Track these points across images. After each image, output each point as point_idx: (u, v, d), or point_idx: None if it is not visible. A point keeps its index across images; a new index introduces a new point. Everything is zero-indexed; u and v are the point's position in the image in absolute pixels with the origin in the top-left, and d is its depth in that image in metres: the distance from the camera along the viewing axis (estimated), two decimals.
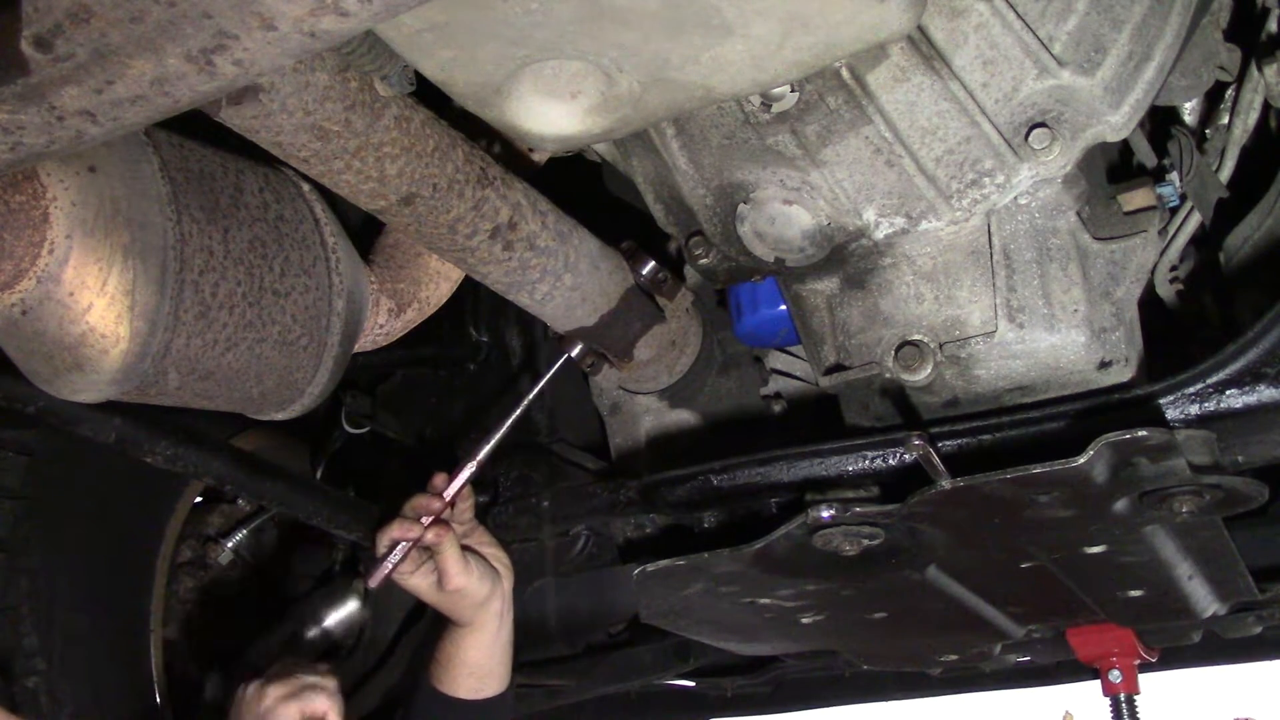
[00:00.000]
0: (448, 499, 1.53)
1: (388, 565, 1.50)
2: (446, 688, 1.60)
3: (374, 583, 1.51)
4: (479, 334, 2.09)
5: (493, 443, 1.54)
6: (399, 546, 1.50)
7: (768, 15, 1.02)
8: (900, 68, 1.31)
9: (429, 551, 1.53)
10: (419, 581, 1.55)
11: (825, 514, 1.43)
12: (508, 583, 1.62)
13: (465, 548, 1.59)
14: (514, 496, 1.92)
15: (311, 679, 1.48)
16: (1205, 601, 1.82)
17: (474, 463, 1.54)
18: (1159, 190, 1.47)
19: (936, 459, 1.31)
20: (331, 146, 1.08)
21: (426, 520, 1.51)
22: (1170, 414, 1.32)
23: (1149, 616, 1.97)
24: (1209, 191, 1.53)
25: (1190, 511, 1.36)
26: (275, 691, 1.46)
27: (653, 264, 1.59)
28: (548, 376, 1.60)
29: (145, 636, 2.06)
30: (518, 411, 1.57)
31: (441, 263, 1.55)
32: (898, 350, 1.41)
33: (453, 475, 1.55)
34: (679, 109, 1.19)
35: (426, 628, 2.23)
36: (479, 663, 1.60)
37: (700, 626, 1.96)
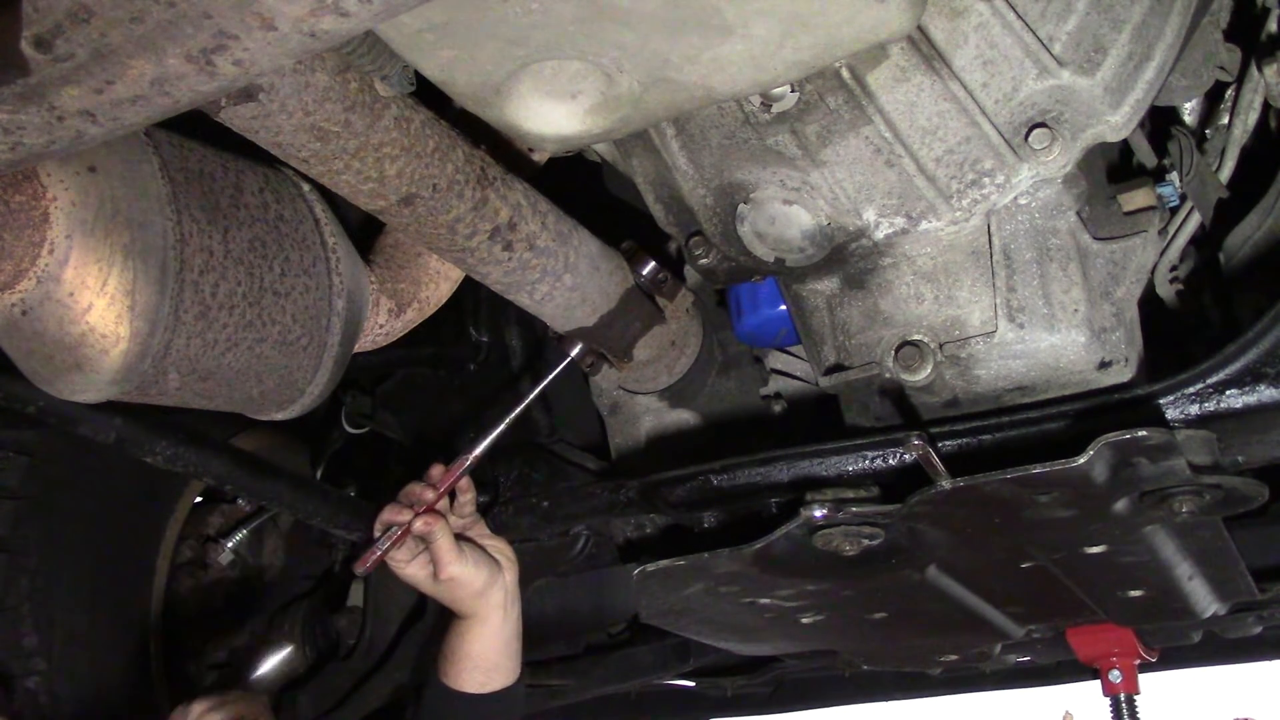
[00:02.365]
0: (441, 490, 1.54)
1: (376, 551, 1.50)
2: (453, 682, 1.60)
3: (359, 568, 1.52)
4: (479, 334, 2.09)
5: (491, 439, 1.55)
6: (389, 532, 1.51)
7: (768, 15, 1.02)
8: (900, 68, 1.31)
9: (424, 542, 1.54)
10: (415, 571, 1.55)
11: (818, 513, 1.43)
12: (510, 574, 1.62)
13: (465, 539, 1.59)
14: (514, 496, 1.92)
15: (238, 692, 1.58)
16: (1205, 601, 1.82)
17: (471, 457, 1.54)
18: (1159, 190, 1.47)
19: (936, 459, 1.31)
20: (331, 147, 1.08)
21: (418, 508, 1.52)
22: (1170, 414, 1.32)
23: (1149, 616, 1.97)
24: (1209, 191, 1.53)
25: (1190, 511, 1.36)
26: (200, 705, 1.55)
27: (653, 264, 1.59)
28: (550, 377, 1.60)
29: (145, 637, 2.06)
30: (518, 409, 1.57)
31: (441, 263, 1.55)
32: (898, 350, 1.41)
33: (450, 468, 1.55)
34: (679, 109, 1.19)
35: (428, 627, 2.23)
36: (483, 655, 1.60)
37: (700, 626, 1.96)
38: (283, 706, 2.30)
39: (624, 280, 1.56)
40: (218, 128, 1.06)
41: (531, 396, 1.59)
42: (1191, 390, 1.31)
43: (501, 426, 1.56)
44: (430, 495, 1.53)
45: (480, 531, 1.65)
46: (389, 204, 1.19)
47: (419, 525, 1.52)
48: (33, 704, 1.79)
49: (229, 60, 0.77)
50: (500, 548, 1.64)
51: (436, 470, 1.57)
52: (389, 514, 1.53)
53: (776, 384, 1.80)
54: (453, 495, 1.60)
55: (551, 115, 1.15)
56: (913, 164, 1.34)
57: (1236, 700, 4.34)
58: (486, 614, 1.59)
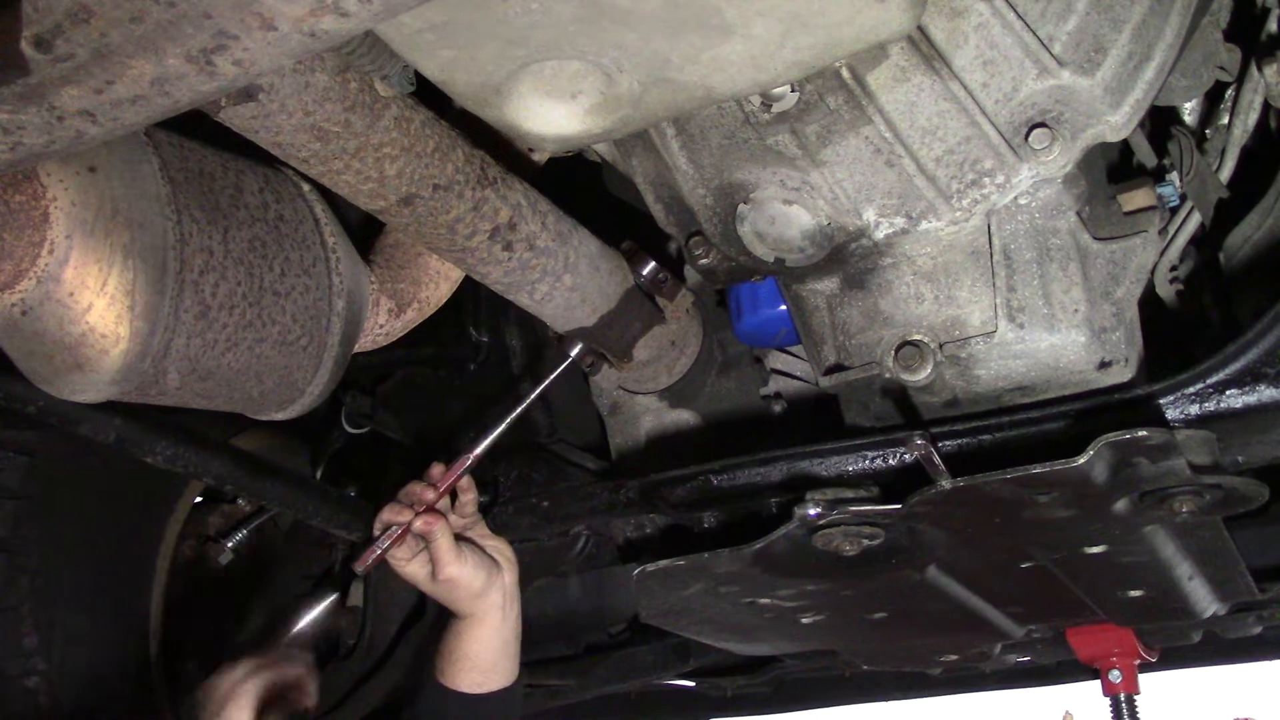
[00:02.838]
0: (442, 489, 1.54)
1: (376, 550, 1.51)
2: (450, 681, 1.60)
3: (359, 566, 1.52)
4: (479, 334, 2.09)
5: (491, 439, 1.55)
6: (388, 531, 1.51)
7: (768, 15, 1.02)
8: (900, 68, 1.31)
9: (424, 541, 1.54)
10: (415, 570, 1.55)
11: (811, 512, 1.43)
12: (510, 576, 1.62)
13: (465, 539, 1.59)
14: (514, 496, 1.92)
15: (282, 652, 1.50)
16: (1205, 601, 1.82)
17: (471, 456, 1.54)
18: (1159, 190, 1.47)
19: (937, 459, 1.31)
20: (331, 147, 1.09)
21: (419, 508, 1.52)
22: (1170, 414, 1.32)
23: (1149, 616, 1.97)
24: (1209, 191, 1.53)
25: (1190, 511, 1.36)
26: (248, 662, 1.48)
27: (653, 264, 1.59)
28: (551, 378, 1.60)
29: (145, 636, 2.06)
30: (519, 409, 1.57)
31: (441, 263, 1.55)
32: (898, 350, 1.41)
33: (450, 467, 1.55)
34: (679, 109, 1.19)
35: (428, 627, 2.23)
36: (481, 656, 1.60)
37: (700, 626, 1.96)
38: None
39: (624, 280, 1.56)
40: (218, 128, 1.06)
41: (532, 397, 1.59)
42: (1191, 390, 1.31)
43: (502, 427, 1.56)
44: (431, 495, 1.54)
45: (480, 532, 1.65)
46: (389, 204, 1.19)
47: (419, 525, 1.52)
48: (33, 704, 1.79)
49: (229, 60, 0.77)
50: (500, 548, 1.64)
51: (437, 470, 1.57)
52: (389, 514, 1.53)
53: (776, 384, 1.80)
54: (453, 495, 1.60)
55: (551, 115, 1.15)
56: (913, 164, 1.34)
57: (1236, 700, 4.34)
58: (484, 614, 1.59)
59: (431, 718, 1.62)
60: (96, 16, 0.73)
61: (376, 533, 1.53)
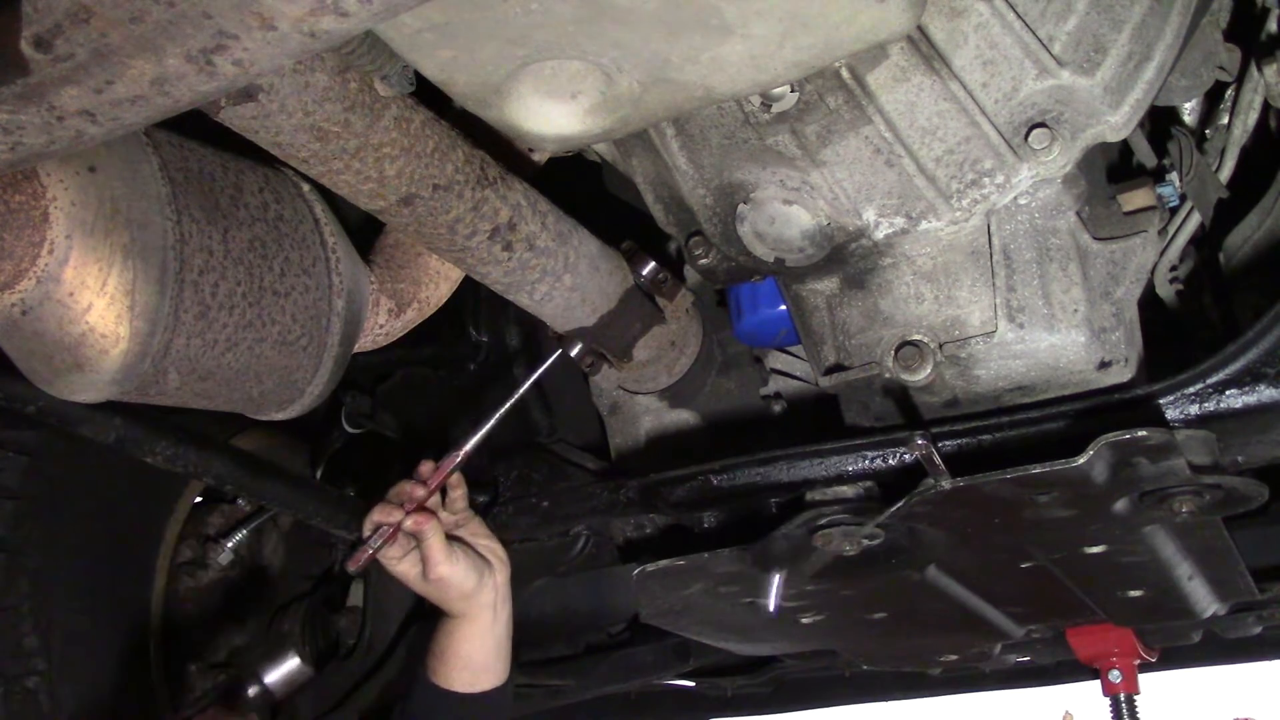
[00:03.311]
0: (431, 487, 1.53)
1: (368, 550, 1.50)
2: (442, 681, 1.59)
3: (352, 566, 1.51)
4: (479, 334, 2.09)
5: (481, 434, 1.53)
6: (379, 531, 1.50)
7: (768, 15, 1.02)
8: (900, 68, 1.31)
9: (416, 540, 1.53)
10: (406, 569, 1.55)
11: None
12: (501, 575, 1.61)
13: (456, 539, 1.58)
14: (514, 496, 1.92)
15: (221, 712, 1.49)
16: (1205, 601, 1.82)
17: (461, 453, 1.52)
18: (1159, 190, 1.48)
19: (937, 459, 1.31)
20: (331, 147, 1.09)
21: (409, 506, 1.51)
22: (1170, 414, 1.32)
23: (1149, 616, 1.97)
24: (1209, 191, 1.53)
25: (1190, 511, 1.36)
26: None
27: (653, 264, 1.59)
28: (540, 370, 1.59)
29: (145, 636, 2.06)
30: (508, 404, 1.55)
31: (441, 263, 1.55)
32: (898, 350, 1.41)
33: (440, 464, 1.54)
34: (679, 109, 1.19)
35: (426, 625, 2.23)
36: (472, 655, 1.59)
37: (700, 626, 1.96)
38: (283, 710, 2.30)
39: (624, 280, 1.56)
40: (218, 128, 1.06)
41: (522, 389, 1.57)
42: (1191, 390, 1.32)
43: (491, 422, 1.54)
44: (421, 493, 1.52)
45: (474, 530, 1.63)
46: (389, 204, 1.19)
47: (410, 524, 1.50)
48: (32, 704, 1.79)
49: (229, 60, 0.77)
50: (492, 547, 1.63)
51: (426, 467, 1.55)
52: (379, 514, 1.51)
53: (776, 384, 1.80)
54: (444, 492, 1.60)
55: (551, 115, 1.15)
56: (913, 164, 1.34)
57: (1236, 700, 4.34)
58: (476, 614, 1.58)
59: (423, 717, 1.62)
60: (96, 16, 0.73)
61: (367, 533, 1.51)
